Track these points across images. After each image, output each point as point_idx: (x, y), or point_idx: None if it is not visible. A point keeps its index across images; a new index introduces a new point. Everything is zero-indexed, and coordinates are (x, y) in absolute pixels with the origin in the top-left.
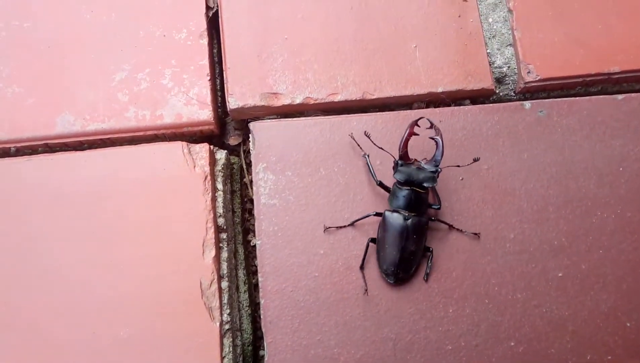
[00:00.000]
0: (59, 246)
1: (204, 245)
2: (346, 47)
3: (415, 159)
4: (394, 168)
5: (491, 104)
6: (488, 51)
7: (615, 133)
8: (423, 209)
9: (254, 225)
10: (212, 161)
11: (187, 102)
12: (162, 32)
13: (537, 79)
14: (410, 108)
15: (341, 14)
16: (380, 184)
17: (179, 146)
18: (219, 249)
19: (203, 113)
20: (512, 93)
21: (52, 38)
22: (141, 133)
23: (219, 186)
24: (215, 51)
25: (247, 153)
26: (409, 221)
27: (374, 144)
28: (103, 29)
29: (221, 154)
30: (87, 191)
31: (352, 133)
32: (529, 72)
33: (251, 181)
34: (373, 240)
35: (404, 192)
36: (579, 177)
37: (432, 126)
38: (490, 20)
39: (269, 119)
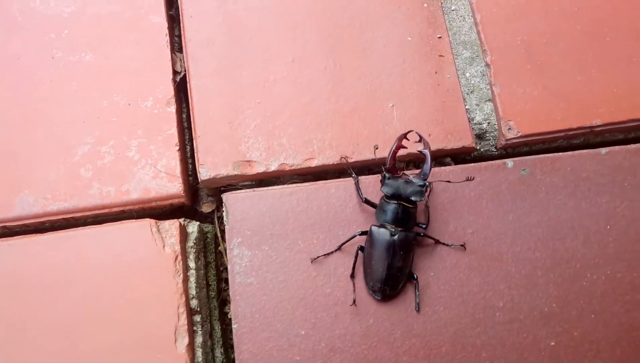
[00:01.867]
0: (19, 338)
1: (176, 332)
2: (321, 109)
3: (404, 173)
4: (381, 181)
5: (473, 164)
6: (467, 107)
7: (600, 189)
8: (410, 225)
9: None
10: (183, 237)
11: (155, 175)
12: (126, 101)
13: (518, 135)
14: None
15: (314, 75)
16: (367, 201)
17: (146, 224)
18: (192, 334)
19: (173, 186)
20: (494, 149)
21: (8, 111)
22: (106, 211)
23: (191, 264)
24: (184, 116)
25: (221, 219)
26: (396, 236)
27: (374, 155)
28: (63, 100)
29: (193, 227)
30: (48, 277)
31: (345, 156)
32: (509, 128)
33: (226, 250)
34: (362, 248)
35: (391, 206)
36: (566, 237)
37: (420, 139)
38: (468, 75)
39: (243, 188)
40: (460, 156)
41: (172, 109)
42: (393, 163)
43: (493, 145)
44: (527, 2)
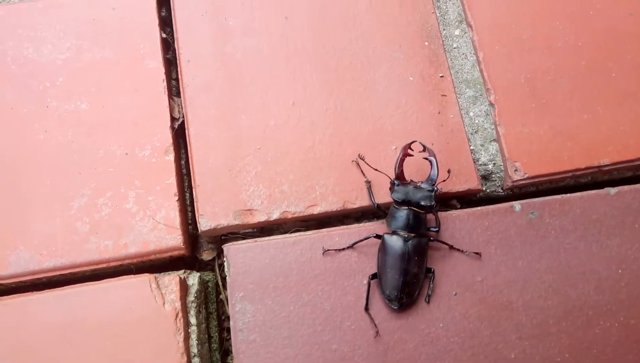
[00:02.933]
0: None
1: None
2: (323, 153)
3: (412, 180)
4: (390, 188)
5: (480, 208)
6: (472, 147)
7: (611, 232)
8: (422, 230)
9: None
10: (184, 293)
11: (154, 227)
12: (123, 150)
13: (524, 177)
14: None
15: (315, 118)
16: (379, 207)
17: (145, 280)
18: None
19: (172, 238)
20: (500, 189)
21: (1, 162)
22: (104, 265)
23: (192, 319)
24: (183, 162)
25: (222, 267)
26: (409, 242)
27: (370, 166)
28: (59, 151)
29: (194, 279)
30: (46, 337)
31: (357, 157)
32: (515, 170)
33: (227, 299)
34: (374, 276)
35: (402, 212)
36: (577, 284)
37: (424, 148)
38: (472, 114)
39: (244, 236)
40: (467, 197)
41: (171, 157)
42: (401, 170)
43: (499, 186)
44: (530, 37)
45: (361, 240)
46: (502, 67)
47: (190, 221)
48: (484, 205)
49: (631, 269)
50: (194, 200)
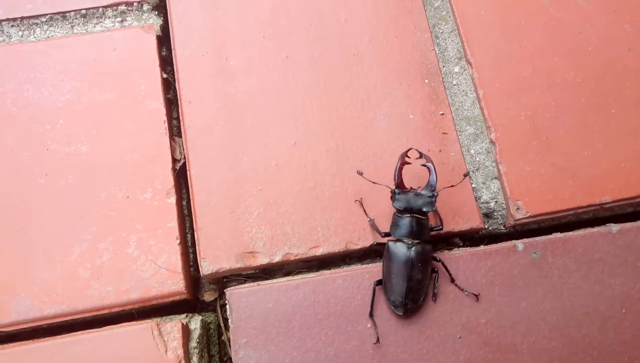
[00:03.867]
0: None
1: None
2: (325, 193)
3: (411, 187)
4: (391, 197)
5: (483, 248)
6: (473, 185)
7: (613, 271)
8: (426, 235)
9: None
10: (186, 339)
11: (156, 272)
12: (124, 194)
13: (527, 216)
14: None
15: (317, 158)
16: (387, 235)
17: (148, 328)
18: None
19: (174, 283)
20: (502, 227)
21: (2, 208)
22: (106, 311)
23: None
24: (184, 203)
25: (224, 307)
26: (413, 248)
27: (369, 180)
28: (59, 194)
29: (196, 323)
30: None
31: (360, 199)
32: (517, 209)
33: (229, 340)
34: (379, 282)
35: (404, 220)
36: (581, 324)
37: (421, 155)
38: (473, 151)
39: (247, 279)
40: (469, 234)
41: (172, 200)
42: (401, 179)
43: (502, 223)
44: (530, 74)
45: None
46: (502, 104)
47: (192, 263)
48: (487, 243)
49: (634, 308)
50: (196, 243)
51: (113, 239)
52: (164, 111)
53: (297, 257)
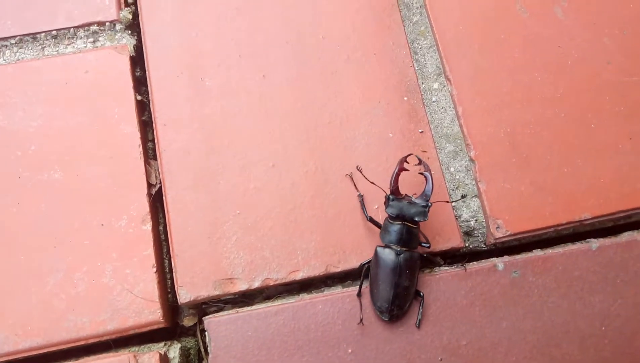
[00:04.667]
0: None
1: None
2: (304, 215)
3: (406, 194)
4: (385, 203)
5: (464, 270)
6: (453, 204)
7: (593, 288)
8: (415, 244)
9: None
10: None
11: (132, 302)
12: (99, 221)
13: (507, 234)
14: None
15: (296, 180)
16: (371, 220)
17: (125, 360)
18: None
19: (151, 313)
20: (483, 245)
21: None
22: (82, 343)
23: None
24: (161, 227)
25: (204, 332)
26: (401, 256)
27: (367, 179)
28: (32, 223)
29: (174, 351)
30: None
31: (350, 173)
32: (497, 227)
33: None
34: (369, 267)
35: (395, 227)
36: (561, 343)
37: (420, 162)
38: (452, 169)
39: (226, 304)
40: (450, 252)
41: (148, 226)
42: (397, 186)
43: (482, 241)
44: (510, 90)
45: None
46: (481, 121)
47: (170, 289)
48: (467, 260)
49: (614, 325)
50: (173, 270)
51: (88, 269)
52: (138, 134)
53: (277, 282)
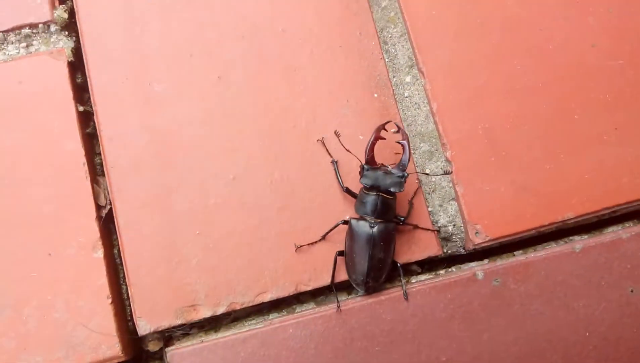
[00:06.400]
0: None
1: None
2: (271, 231)
3: (382, 164)
4: (360, 172)
5: (442, 279)
6: (430, 209)
7: (577, 293)
8: (390, 215)
9: None
10: None
11: (88, 337)
12: (46, 251)
13: (486, 239)
14: (349, 294)
15: (260, 193)
16: (347, 191)
17: None
18: None
19: (109, 348)
20: (462, 249)
21: None
22: None
23: None
24: (116, 251)
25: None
26: (376, 228)
27: (343, 147)
28: None
29: None
30: None
31: (322, 138)
32: (476, 232)
33: None
34: (341, 253)
35: (370, 197)
36: (545, 352)
37: (399, 130)
38: (428, 171)
39: (191, 329)
40: (427, 259)
41: (100, 254)
42: (372, 154)
43: (461, 246)
44: (487, 81)
45: (332, 229)
46: (458, 117)
47: (130, 318)
48: (445, 265)
49: (598, 331)
50: (130, 300)
51: (38, 303)
52: (82, 151)
53: (243, 305)
